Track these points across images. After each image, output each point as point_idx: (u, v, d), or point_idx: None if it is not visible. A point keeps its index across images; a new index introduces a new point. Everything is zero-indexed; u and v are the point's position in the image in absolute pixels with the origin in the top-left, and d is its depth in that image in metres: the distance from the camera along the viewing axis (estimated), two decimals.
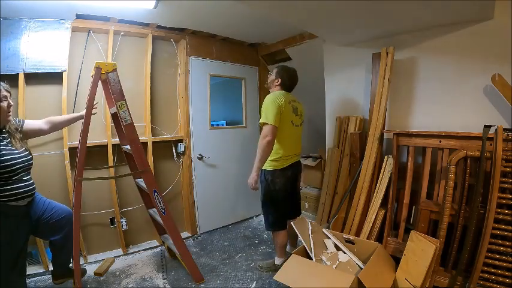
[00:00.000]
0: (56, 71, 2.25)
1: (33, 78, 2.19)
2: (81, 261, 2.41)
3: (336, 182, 2.60)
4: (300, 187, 2.64)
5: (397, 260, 1.81)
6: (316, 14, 1.94)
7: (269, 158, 2.05)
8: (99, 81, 1.86)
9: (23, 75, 2.13)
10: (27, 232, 1.62)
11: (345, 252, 1.90)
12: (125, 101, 1.87)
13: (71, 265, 1.91)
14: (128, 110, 1.88)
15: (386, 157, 2.19)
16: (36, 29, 2.19)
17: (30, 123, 1.75)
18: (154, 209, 2.15)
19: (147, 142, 2.69)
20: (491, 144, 1.62)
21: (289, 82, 2.18)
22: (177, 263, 2.45)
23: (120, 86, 1.87)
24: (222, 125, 3.67)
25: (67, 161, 2.30)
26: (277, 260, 2.25)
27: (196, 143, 3.02)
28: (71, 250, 1.80)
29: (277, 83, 2.18)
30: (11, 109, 1.56)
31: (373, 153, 2.23)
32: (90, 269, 2.31)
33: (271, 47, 3.33)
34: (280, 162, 2.08)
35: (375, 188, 2.22)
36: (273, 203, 2.14)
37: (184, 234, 3.05)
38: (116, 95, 1.86)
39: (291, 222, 2.06)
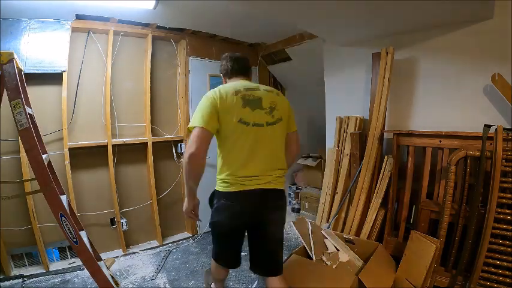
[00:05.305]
0: (56, 71, 2.25)
1: (33, 78, 2.19)
2: None
3: (336, 182, 2.60)
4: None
5: (397, 260, 1.81)
6: (316, 14, 1.94)
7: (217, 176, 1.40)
8: None
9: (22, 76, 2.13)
10: None
11: (345, 252, 1.90)
12: (22, 100, 1.44)
13: None
14: (25, 111, 1.44)
15: (386, 157, 2.19)
16: (36, 30, 2.19)
17: None
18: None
19: (147, 142, 2.69)
20: (491, 144, 1.62)
21: (233, 65, 1.54)
22: (177, 263, 2.46)
23: (17, 81, 1.44)
24: None
25: (67, 162, 2.30)
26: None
27: None
28: None
29: (223, 76, 1.62)
30: None
31: (373, 153, 2.23)
32: None
33: (271, 47, 3.33)
34: (229, 183, 1.33)
35: (375, 188, 2.22)
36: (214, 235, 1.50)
37: (185, 235, 3.05)
38: (10, 91, 1.42)
39: (291, 222, 2.00)
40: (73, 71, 2.38)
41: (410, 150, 2.03)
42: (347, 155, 2.51)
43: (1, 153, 2.15)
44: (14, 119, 1.44)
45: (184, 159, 1.26)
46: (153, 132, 2.77)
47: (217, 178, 1.38)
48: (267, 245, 1.46)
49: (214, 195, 1.41)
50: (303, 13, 1.91)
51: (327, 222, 2.53)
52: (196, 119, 1.27)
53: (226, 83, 1.56)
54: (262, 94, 1.40)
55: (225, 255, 1.53)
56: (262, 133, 1.34)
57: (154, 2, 2.11)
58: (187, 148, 1.26)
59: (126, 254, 2.61)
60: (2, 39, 2.06)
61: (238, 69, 1.53)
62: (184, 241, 2.94)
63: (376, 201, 2.17)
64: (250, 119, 1.33)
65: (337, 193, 2.55)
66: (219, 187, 1.36)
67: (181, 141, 2.95)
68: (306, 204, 3.40)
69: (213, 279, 1.73)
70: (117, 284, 1.93)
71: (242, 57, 1.58)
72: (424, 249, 1.60)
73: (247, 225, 1.42)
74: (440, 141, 1.88)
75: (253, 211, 1.36)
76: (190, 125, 1.30)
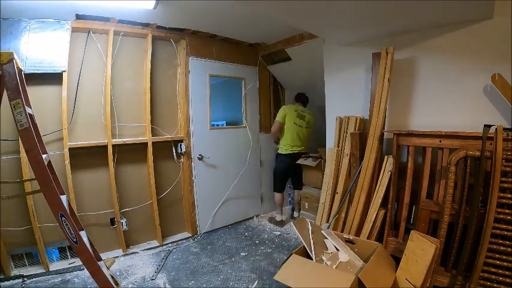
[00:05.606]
0: (56, 71, 2.25)
1: (33, 78, 2.19)
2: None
3: (336, 182, 2.60)
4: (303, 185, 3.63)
5: (397, 260, 1.81)
6: (316, 14, 1.94)
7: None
8: None
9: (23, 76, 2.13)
10: None
11: (345, 252, 1.90)
12: (22, 100, 1.45)
13: None
14: (25, 111, 1.45)
15: (386, 157, 2.19)
16: (36, 30, 2.19)
17: None
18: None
19: (147, 142, 2.69)
20: (491, 144, 1.62)
21: (296, 97, 3.43)
22: (177, 263, 2.46)
23: (17, 81, 1.45)
24: (222, 125, 3.68)
25: (67, 162, 2.30)
26: (278, 217, 3.35)
27: (196, 143, 3.02)
28: None
29: (294, 99, 3.49)
30: None
31: (373, 153, 2.23)
32: None
33: (271, 47, 3.33)
34: (285, 149, 3.27)
35: (375, 188, 2.22)
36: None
37: (185, 235, 3.05)
38: (10, 91, 1.43)
39: (291, 222, 2.07)
40: (73, 71, 2.38)
41: (410, 150, 2.03)
42: (347, 155, 2.51)
43: (1, 153, 2.15)
44: (14, 119, 1.45)
45: (271, 131, 3.35)
46: (153, 132, 2.77)
47: (279, 147, 3.31)
48: (295, 178, 3.46)
49: (277, 155, 3.37)
50: (304, 13, 1.91)
51: (327, 222, 2.53)
52: (277, 117, 3.20)
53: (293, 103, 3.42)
54: (306, 114, 3.26)
55: (279, 186, 3.35)
56: (300, 130, 3.23)
57: (154, 2, 2.11)
58: (272, 128, 3.29)
59: (126, 254, 2.61)
60: (2, 39, 2.06)
61: (299, 98, 3.40)
62: (184, 241, 2.94)
63: (376, 201, 2.17)
64: (298, 123, 3.19)
65: (337, 193, 2.55)
66: (281, 150, 3.29)
67: (181, 141, 2.95)
68: (306, 204, 3.40)
69: (278, 206, 3.35)
70: (117, 284, 1.93)
71: (302, 93, 3.41)
72: (424, 249, 1.59)
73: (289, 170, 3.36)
74: (440, 141, 1.88)
75: (292, 162, 3.30)
76: (276, 119, 3.22)
